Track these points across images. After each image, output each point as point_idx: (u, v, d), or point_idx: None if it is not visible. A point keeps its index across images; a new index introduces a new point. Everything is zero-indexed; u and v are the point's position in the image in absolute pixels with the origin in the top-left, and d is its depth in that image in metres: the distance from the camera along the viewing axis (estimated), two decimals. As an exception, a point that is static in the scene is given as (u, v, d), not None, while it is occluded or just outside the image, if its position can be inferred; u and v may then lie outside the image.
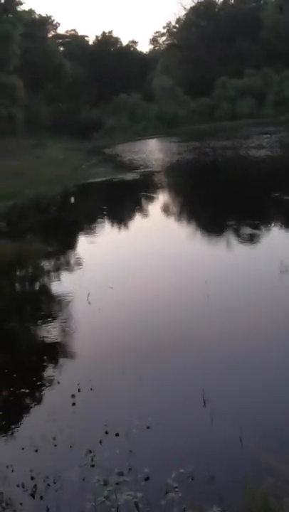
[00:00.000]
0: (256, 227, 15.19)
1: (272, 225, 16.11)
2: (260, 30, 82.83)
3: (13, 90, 51.19)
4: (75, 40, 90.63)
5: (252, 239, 14.14)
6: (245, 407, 6.07)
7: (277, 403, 6.13)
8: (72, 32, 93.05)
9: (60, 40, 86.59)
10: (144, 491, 4.80)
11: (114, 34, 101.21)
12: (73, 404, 6.45)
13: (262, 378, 6.72)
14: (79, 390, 6.68)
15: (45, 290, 11.40)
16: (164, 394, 6.52)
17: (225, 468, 5.05)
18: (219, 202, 20.52)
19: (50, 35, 78.38)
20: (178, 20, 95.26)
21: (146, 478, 4.99)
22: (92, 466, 5.26)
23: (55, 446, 5.68)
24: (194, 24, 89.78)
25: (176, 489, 4.80)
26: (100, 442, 5.59)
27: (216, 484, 4.82)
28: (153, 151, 46.98)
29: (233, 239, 14.37)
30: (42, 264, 13.20)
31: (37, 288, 11.76)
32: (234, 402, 6.21)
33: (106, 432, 5.74)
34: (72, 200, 23.37)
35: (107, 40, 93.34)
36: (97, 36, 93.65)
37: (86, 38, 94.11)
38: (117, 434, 5.69)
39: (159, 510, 4.55)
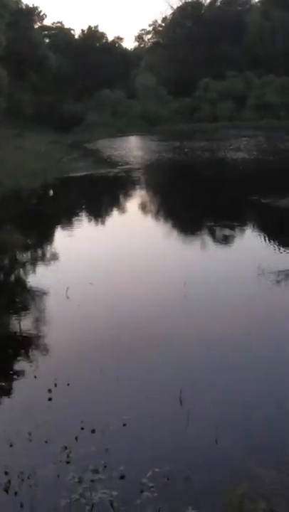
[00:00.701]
0: (235, 229, 15.31)
1: (250, 227, 16.25)
2: (245, 34, 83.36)
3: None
4: (60, 33, 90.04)
5: (230, 241, 14.26)
6: (221, 407, 6.11)
7: (253, 405, 6.17)
8: (59, 24, 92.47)
9: (46, 32, 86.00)
10: (120, 490, 4.78)
11: (100, 29, 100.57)
12: (49, 399, 6.40)
13: (238, 379, 6.76)
14: (56, 385, 6.62)
15: (24, 283, 11.33)
16: (141, 392, 6.52)
17: (200, 469, 5.05)
18: (197, 202, 20.62)
19: (36, 26, 77.73)
20: (164, 19, 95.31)
21: (122, 477, 4.97)
22: (68, 462, 5.22)
23: (30, 441, 5.62)
24: (180, 24, 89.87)
25: (152, 489, 4.78)
26: (76, 439, 5.55)
27: (192, 485, 4.82)
28: (133, 149, 47.02)
29: (211, 240, 14.48)
30: (21, 255, 13.09)
31: (15, 280, 11.68)
32: (210, 402, 6.22)
33: (82, 429, 5.70)
34: (51, 193, 23.21)
35: (92, 35, 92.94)
36: (82, 30, 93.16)
37: (72, 32, 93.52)
38: (93, 431, 5.66)
39: (134, 510, 4.54)
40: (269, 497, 4.52)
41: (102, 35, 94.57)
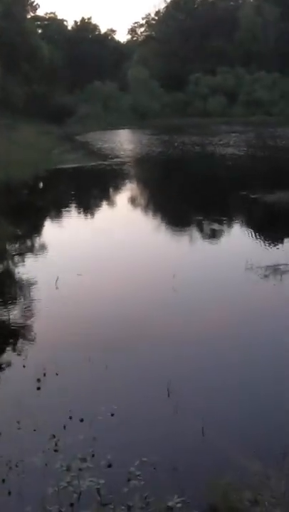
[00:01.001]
0: (223, 223, 15.40)
1: (239, 222, 16.36)
2: (237, 30, 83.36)
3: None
4: (53, 24, 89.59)
5: (219, 235, 14.36)
6: (208, 400, 6.17)
7: (240, 397, 6.25)
8: (52, 15, 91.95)
9: (39, 23, 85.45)
10: (107, 478, 4.84)
11: (93, 21, 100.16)
12: (38, 388, 6.44)
13: (226, 372, 6.85)
14: (44, 375, 6.67)
15: (13, 273, 11.33)
16: (130, 382, 6.59)
17: (187, 460, 5.13)
18: (187, 196, 20.68)
19: (28, 17, 77.17)
20: (157, 13, 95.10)
21: (109, 465, 5.03)
22: (56, 451, 5.27)
23: (19, 429, 5.65)
24: (173, 18, 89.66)
25: (139, 477, 4.85)
26: (64, 427, 5.60)
27: (178, 475, 4.88)
28: (124, 142, 46.98)
29: (200, 234, 14.60)
30: (11, 246, 13.09)
31: (5, 270, 11.67)
32: (198, 394, 6.29)
33: (70, 418, 5.75)
34: (42, 184, 23.17)
35: (85, 26, 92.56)
36: (76, 21, 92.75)
37: (65, 23, 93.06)
38: (81, 420, 5.71)
39: (120, 498, 4.59)
40: (254, 487, 4.59)
41: (95, 27, 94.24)
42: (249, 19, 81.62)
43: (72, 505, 4.55)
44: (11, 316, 8.71)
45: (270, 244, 13.37)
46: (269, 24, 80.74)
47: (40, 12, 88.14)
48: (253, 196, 18.78)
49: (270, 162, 30.70)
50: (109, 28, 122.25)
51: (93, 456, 5.16)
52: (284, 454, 5.03)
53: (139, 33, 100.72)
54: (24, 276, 10.81)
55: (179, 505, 4.49)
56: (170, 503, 4.50)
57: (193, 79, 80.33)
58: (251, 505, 4.41)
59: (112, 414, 5.82)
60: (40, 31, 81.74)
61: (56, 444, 5.35)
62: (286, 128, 52.54)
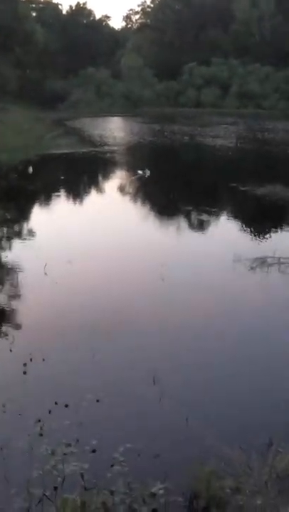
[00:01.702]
0: (213, 215, 15.44)
1: (228, 214, 16.42)
2: (232, 22, 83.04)
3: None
4: (48, 8, 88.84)
5: (208, 226, 14.39)
6: (193, 388, 6.24)
7: (225, 387, 6.32)
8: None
9: (34, 6, 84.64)
10: (91, 463, 4.89)
11: (88, 6, 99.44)
12: (24, 373, 6.46)
13: (211, 362, 6.90)
14: (31, 360, 6.68)
15: (1, 258, 11.29)
16: (116, 370, 6.61)
17: (171, 447, 5.18)
18: (176, 186, 20.67)
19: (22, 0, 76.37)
20: (153, 1, 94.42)
21: (93, 451, 5.08)
22: (41, 435, 5.30)
23: (4, 413, 5.68)
24: (169, 6, 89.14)
25: (123, 463, 4.90)
26: (50, 412, 5.63)
27: (162, 462, 4.94)
28: (116, 129, 46.87)
29: (190, 225, 14.63)
30: (-1, 230, 13.07)
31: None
32: (183, 383, 6.35)
33: (56, 403, 5.78)
34: (31, 169, 23.04)
35: (80, 11, 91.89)
36: (70, 6, 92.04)
37: (60, 7, 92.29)
38: (66, 406, 5.75)
39: (104, 482, 4.64)
40: (236, 476, 4.66)
41: (90, 12, 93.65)
42: (245, 11, 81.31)
43: (56, 488, 4.59)
44: (-2, 300, 8.71)
45: (258, 236, 13.45)
46: (264, 17, 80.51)
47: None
48: (242, 188, 18.83)
49: (259, 155, 30.82)
50: (104, 14, 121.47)
51: (78, 441, 5.20)
52: (267, 444, 5.10)
53: (134, 20, 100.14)
54: (12, 262, 10.78)
55: (161, 491, 4.54)
56: (153, 490, 4.55)
57: (187, 69, 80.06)
58: (233, 493, 4.48)
59: (98, 401, 5.86)
60: (34, 15, 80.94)
61: (41, 429, 5.38)
62: (277, 122, 52.76)
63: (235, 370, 6.67)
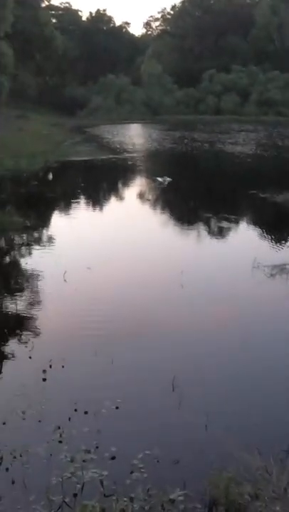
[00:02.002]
0: (232, 222, 15.43)
1: (248, 221, 16.41)
2: (252, 28, 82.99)
3: (2, 57, 50.23)
4: (68, 14, 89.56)
5: (228, 234, 14.40)
6: (212, 395, 6.24)
7: (244, 393, 6.31)
8: (66, 5, 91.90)
9: (53, 12, 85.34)
10: (110, 470, 4.91)
11: (108, 13, 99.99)
12: (44, 379, 6.51)
13: (231, 368, 6.91)
14: (50, 366, 6.74)
15: (22, 265, 11.39)
16: (135, 376, 6.64)
17: (190, 454, 5.19)
18: (196, 193, 20.69)
19: (43, 6, 77.05)
20: (173, 7, 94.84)
21: (113, 458, 5.10)
22: (60, 442, 5.33)
23: (24, 420, 5.72)
24: (189, 13, 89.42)
25: (142, 470, 4.92)
26: (69, 419, 5.67)
27: (181, 468, 4.96)
28: (135, 136, 47.11)
29: (209, 231, 14.64)
30: (19, 237, 13.16)
31: (13, 262, 11.75)
32: (202, 390, 6.35)
33: (75, 410, 5.82)
34: (51, 176, 23.23)
35: (100, 18, 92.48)
36: (90, 12, 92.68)
37: (79, 13, 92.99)
38: (86, 412, 5.78)
39: (123, 489, 4.66)
40: (254, 482, 4.66)
41: (110, 19, 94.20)
42: (265, 18, 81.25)
43: (75, 495, 4.62)
44: (18, 308, 8.78)
45: (277, 243, 13.41)
46: (284, 24, 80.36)
47: (54, 1, 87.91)
48: (262, 195, 18.81)
49: (279, 162, 30.71)
50: (124, 20, 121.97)
51: (97, 448, 5.22)
52: (286, 451, 5.10)
53: (154, 27, 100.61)
54: (32, 268, 10.87)
55: (180, 498, 4.55)
56: (172, 496, 4.56)
57: (207, 76, 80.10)
58: (252, 499, 4.48)
59: (117, 407, 5.88)
60: (54, 21, 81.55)
61: (61, 436, 5.42)
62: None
63: (255, 378, 6.66)
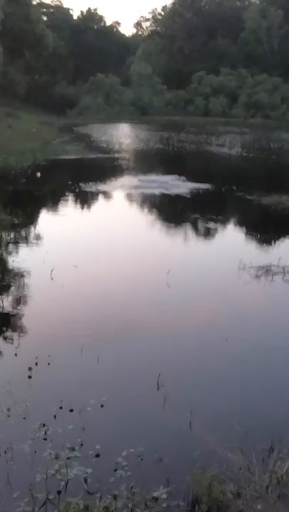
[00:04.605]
0: (219, 223, 15.54)
1: (235, 223, 16.53)
2: (242, 31, 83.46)
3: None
4: (59, 12, 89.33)
5: (215, 235, 14.49)
6: (197, 394, 6.27)
7: (228, 392, 6.37)
8: (57, 3, 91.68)
9: (44, 10, 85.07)
10: (94, 467, 4.93)
11: (99, 12, 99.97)
12: (29, 377, 6.50)
13: (215, 367, 6.97)
14: (36, 364, 6.73)
15: (9, 262, 11.36)
16: (120, 375, 6.67)
17: (174, 452, 5.22)
18: (182, 193, 20.73)
19: (34, 3, 76.72)
20: (164, 8, 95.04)
21: (97, 455, 5.12)
22: (45, 439, 5.33)
23: (9, 417, 5.71)
24: (179, 14, 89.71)
25: (126, 468, 4.94)
26: (54, 417, 5.67)
27: (165, 466, 4.99)
28: (124, 136, 47.19)
29: (195, 232, 14.71)
30: (6, 235, 13.13)
31: (0, 259, 11.70)
32: (187, 388, 6.40)
33: (60, 407, 5.83)
34: (39, 174, 23.17)
35: (91, 17, 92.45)
36: (82, 11, 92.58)
37: (70, 12, 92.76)
38: (71, 410, 5.79)
39: (107, 487, 4.69)
40: (237, 480, 4.72)
41: (101, 18, 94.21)
42: (254, 21, 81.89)
43: (59, 493, 4.63)
44: (4, 305, 8.77)
45: (263, 245, 13.52)
46: (273, 27, 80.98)
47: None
48: (249, 197, 18.95)
49: (266, 165, 30.95)
50: (115, 20, 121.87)
51: (82, 445, 5.24)
52: (269, 450, 5.16)
53: (144, 27, 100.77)
54: (19, 266, 10.85)
55: (164, 495, 4.59)
56: (155, 494, 4.60)
57: (196, 78, 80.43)
58: (234, 498, 4.53)
59: (102, 405, 5.91)
60: (45, 19, 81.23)
61: (46, 433, 5.42)
62: (284, 132, 52.93)
63: (239, 377, 6.71)
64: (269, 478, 4.73)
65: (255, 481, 4.70)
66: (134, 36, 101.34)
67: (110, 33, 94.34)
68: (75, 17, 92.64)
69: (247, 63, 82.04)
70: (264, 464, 4.94)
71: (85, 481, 4.78)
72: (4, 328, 7.98)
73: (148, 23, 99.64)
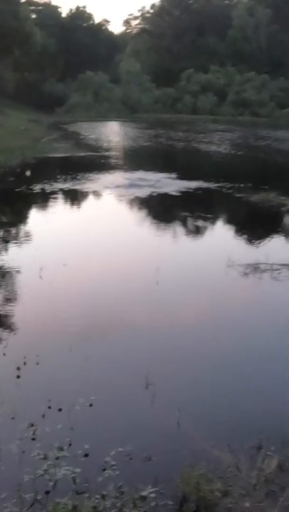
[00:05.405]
0: (208, 221, 15.57)
1: (224, 220, 16.58)
2: (230, 29, 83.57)
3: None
4: (47, 10, 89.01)
5: (203, 232, 14.52)
6: (185, 392, 6.29)
7: (217, 390, 6.38)
8: (46, 1, 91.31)
9: (33, 8, 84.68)
10: (83, 467, 4.92)
11: (88, 10, 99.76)
12: (18, 376, 6.48)
13: (204, 366, 6.96)
14: (25, 364, 6.71)
15: (-4, 261, 11.32)
16: (109, 374, 6.66)
17: (162, 450, 5.23)
18: (172, 191, 20.75)
19: (23, 1, 76.29)
20: (152, 6, 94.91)
21: (86, 455, 5.11)
22: (33, 439, 5.32)
23: (-4, 417, 5.70)
24: (168, 12, 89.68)
25: (114, 467, 4.94)
26: (43, 416, 5.66)
27: (153, 465, 4.99)
28: (113, 134, 47.17)
29: (185, 230, 14.75)
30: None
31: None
32: (175, 386, 6.40)
33: (49, 407, 5.81)
34: (29, 172, 23.09)
35: (80, 15, 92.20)
36: (70, 9, 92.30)
37: (59, 9, 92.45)
38: (60, 410, 5.78)
39: (95, 486, 4.68)
40: (225, 478, 4.73)
41: (90, 16, 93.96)
42: (242, 19, 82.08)
43: (47, 492, 4.62)
44: (-8, 303, 8.74)
45: (251, 242, 13.55)
46: (260, 26, 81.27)
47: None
48: (237, 195, 18.99)
49: (253, 163, 31.04)
50: (104, 18, 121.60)
51: (70, 445, 5.23)
52: (257, 448, 5.18)
53: (133, 25, 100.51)
54: (7, 265, 10.81)
55: (152, 495, 4.59)
56: (144, 493, 4.60)
57: (184, 75, 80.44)
58: (222, 496, 4.54)
59: (91, 405, 5.90)
60: (33, 16, 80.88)
61: (34, 433, 5.40)
62: (272, 130, 53.11)
63: (226, 375, 6.74)
64: (257, 476, 4.75)
65: (243, 479, 4.71)
66: (123, 34, 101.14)
67: (99, 30, 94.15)
68: (63, 15, 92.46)
69: (235, 61, 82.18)
70: (252, 461, 4.96)
71: (74, 480, 4.77)
72: (-8, 328, 7.95)
73: (137, 21, 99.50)
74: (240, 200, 18.51)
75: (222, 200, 19.41)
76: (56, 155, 29.30)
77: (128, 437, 5.37)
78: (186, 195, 19.29)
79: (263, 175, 26.63)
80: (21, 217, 15.72)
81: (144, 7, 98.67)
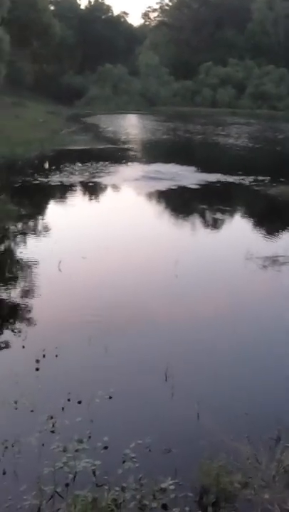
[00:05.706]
0: (226, 213, 15.54)
1: (242, 213, 16.51)
2: (249, 22, 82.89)
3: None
4: (66, 1, 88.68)
5: (222, 225, 14.47)
6: (205, 384, 6.28)
7: (236, 382, 6.37)
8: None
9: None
10: (102, 459, 4.93)
11: (107, 2, 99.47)
12: (37, 369, 6.50)
13: (223, 359, 6.95)
14: (44, 356, 6.73)
15: (16, 254, 11.35)
16: (128, 366, 6.66)
17: (181, 443, 5.22)
18: (191, 184, 20.67)
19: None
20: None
21: (105, 447, 5.12)
22: (53, 432, 5.32)
23: (16, 409, 5.69)
24: (186, 5, 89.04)
25: (134, 459, 4.94)
26: (62, 409, 5.67)
27: (172, 457, 4.99)
28: (131, 127, 47.07)
29: (203, 223, 14.69)
30: (14, 226, 13.12)
31: (7, 251, 11.69)
32: (195, 379, 6.39)
33: (68, 400, 5.82)
34: (48, 165, 23.13)
35: (98, 7, 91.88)
36: (89, 1, 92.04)
37: (78, 1, 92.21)
38: (79, 402, 5.79)
39: (115, 478, 4.69)
40: (244, 470, 4.72)
41: (108, 8, 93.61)
42: (261, 13, 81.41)
43: (67, 485, 4.63)
44: (11, 297, 8.78)
45: (269, 236, 13.46)
46: (279, 19, 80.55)
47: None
48: (256, 188, 18.87)
49: (272, 155, 30.82)
50: (123, 10, 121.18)
51: (90, 437, 5.23)
52: (276, 439, 5.16)
53: (152, 18, 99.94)
54: (27, 257, 10.85)
55: (172, 486, 4.59)
56: (163, 485, 4.60)
57: (203, 68, 79.98)
58: (242, 487, 4.53)
59: (110, 397, 5.90)
60: (52, 8, 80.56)
61: (53, 425, 5.41)
62: (290, 123, 52.72)
63: (246, 367, 6.71)
64: (276, 467, 4.74)
65: (262, 471, 4.70)
66: (142, 26, 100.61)
67: (118, 23, 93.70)
68: (82, 6, 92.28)
69: (254, 54, 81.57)
70: (271, 453, 4.94)
71: (93, 473, 4.77)
72: (12, 320, 8.00)
73: (155, 14, 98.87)
74: (258, 193, 18.39)
75: (240, 193, 19.29)
76: (75, 147, 29.31)
77: (147, 429, 5.37)
78: (204, 188, 19.20)
79: (281, 168, 26.40)
80: (40, 210, 15.75)
81: (162, 0, 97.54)
